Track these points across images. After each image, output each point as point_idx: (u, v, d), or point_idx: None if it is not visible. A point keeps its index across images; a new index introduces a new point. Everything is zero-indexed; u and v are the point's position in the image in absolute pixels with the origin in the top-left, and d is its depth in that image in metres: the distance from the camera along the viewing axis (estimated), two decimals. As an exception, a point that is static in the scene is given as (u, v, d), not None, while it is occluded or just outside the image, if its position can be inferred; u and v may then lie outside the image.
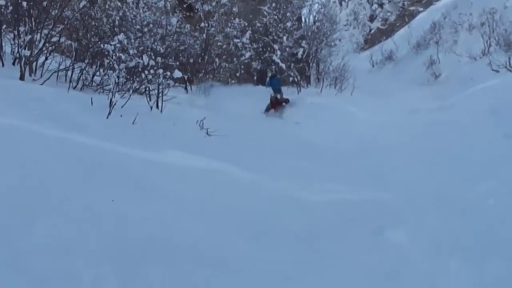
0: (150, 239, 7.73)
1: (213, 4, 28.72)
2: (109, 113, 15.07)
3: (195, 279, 6.94)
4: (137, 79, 18.70)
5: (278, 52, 30.32)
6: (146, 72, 17.84)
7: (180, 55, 25.39)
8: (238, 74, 29.66)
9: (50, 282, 6.00)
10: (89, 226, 7.54)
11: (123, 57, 16.96)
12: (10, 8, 16.78)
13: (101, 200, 8.77)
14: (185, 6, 29.75)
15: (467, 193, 11.70)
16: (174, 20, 23.75)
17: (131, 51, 17.98)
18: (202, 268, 7.28)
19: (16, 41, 16.58)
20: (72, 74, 17.46)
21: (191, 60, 26.69)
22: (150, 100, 18.38)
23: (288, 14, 32.00)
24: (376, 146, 17.86)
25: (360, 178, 13.76)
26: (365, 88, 30.43)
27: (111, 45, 16.82)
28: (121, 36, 17.27)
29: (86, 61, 19.02)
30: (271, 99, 26.27)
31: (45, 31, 17.23)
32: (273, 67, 30.32)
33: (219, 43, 28.79)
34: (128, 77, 18.40)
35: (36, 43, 16.76)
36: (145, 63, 17.60)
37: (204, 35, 27.60)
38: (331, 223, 10.29)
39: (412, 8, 64.38)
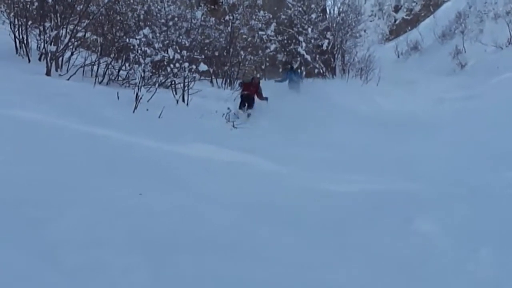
0: (178, 230, 7.75)
1: (238, -4, 28.70)
2: (135, 107, 15.13)
3: (225, 268, 6.94)
4: (163, 73, 18.75)
5: (303, 44, 30.26)
6: (172, 65, 17.88)
7: (205, 48, 25.38)
8: (263, 67, 29.64)
9: (81, 273, 6.04)
10: (117, 218, 7.57)
11: (148, 51, 17.01)
12: (36, 4, 16.88)
13: (127, 192, 8.81)
14: (209, -1, 29.80)
15: (494, 181, 11.63)
16: (198, 14, 23.75)
17: (156, 45, 18.00)
18: (231, 258, 7.28)
19: (42, 37, 16.68)
20: (98, 69, 17.54)
21: (216, 53, 26.69)
22: (176, 93, 18.43)
23: (313, 5, 31.92)
24: (403, 136, 17.77)
25: (387, 168, 13.71)
26: (391, 79, 30.33)
27: (136, 39, 16.88)
28: (146, 30, 17.31)
29: (112, 55, 19.11)
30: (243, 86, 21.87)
31: (71, 27, 17.32)
32: (298, 59, 30.26)
33: (244, 36, 28.74)
34: (154, 71, 18.46)
35: (62, 38, 16.86)
36: (171, 57, 17.63)
37: (229, 28, 27.56)
38: (359, 213, 10.26)
39: (437, -3, 64.08)
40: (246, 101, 21.13)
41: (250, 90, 21.43)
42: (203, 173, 11.37)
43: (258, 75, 22.38)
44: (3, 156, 8.58)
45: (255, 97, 21.50)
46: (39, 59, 17.22)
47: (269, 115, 19.87)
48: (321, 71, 30.57)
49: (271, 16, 29.59)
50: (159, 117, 15.17)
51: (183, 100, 18.40)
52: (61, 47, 16.80)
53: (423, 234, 9.17)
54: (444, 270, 7.83)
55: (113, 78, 18.37)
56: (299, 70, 28.13)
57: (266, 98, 21.69)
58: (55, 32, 16.41)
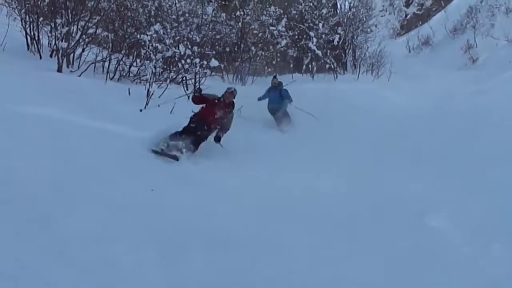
0: (189, 226, 7.77)
1: (248, -8, 28.65)
2: (147, 103, 15.15)
3: (235, 263, 6.96)
4: (174, 68, 18.77)
5: (314, 39, 30.22)
6: (183, 61, 17.91)
7: (216, 44, 25.40)
8: (274, 62, 29.64)
9: (94, 268, 6.07)
10: (128, 214, 7.61)
11: (159, 47, 17.04)
12: (47, 0, 16.92)
13: (139, 188, 8.84)
14: (220, -6, 29.77)
15: (507, 177, 11.57)
16: (209, 9, 23.78)
17: (167, 41, 18.01)
18: (243, 253, 7.30)
19: (53, 33, 16.71)
20: (109, 65, 17.56)
21: (227, 49, 26.69)
22: (187, 89, 18.46)
23: (324, 0, 31.92)
24: (414, 131, 17.69)
25: (398, 165, 13.66)
26: (402, 74, 30.25)
27: (147, 35, 16.91)
28: (157, 26, 17.33)
29: (123, 52, 19.13)
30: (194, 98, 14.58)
31: (82, 23, 17.34)
32: (309, 54, 30.21)
33: (255, 32, 28.71)
34: (165, 67, 18.47)
35: (73, 35, 16.88)
36: (182, 53, 17.67)
37: (240, 24, 27.52)
38: (369, 209, 10.27)
39: (448, -8, 63.87)
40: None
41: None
42: (214, 169, 11.38)
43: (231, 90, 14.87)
44: (16, 153, 8.61)
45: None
46: (50, 56, 17.26)
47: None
48: (332, 66, 30.51)
49: (282, 11, 29.59)
50: (170, 112, 15.20)
51: (194, 96, 18.48)
52: (72, 43, 16.83)
53: (434, 229, 9.18)
54: (456, 266, 7.84)
55: (124, 74, 18.40)
56: (284, 87, 20.19)
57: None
58: (66, 28, 16.44)
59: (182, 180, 10.02)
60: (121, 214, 7.54)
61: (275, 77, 20.82)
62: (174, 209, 8.35)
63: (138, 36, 17.75)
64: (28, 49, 17.41)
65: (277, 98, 19.55)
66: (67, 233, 6.62)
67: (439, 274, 7.57)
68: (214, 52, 21.71)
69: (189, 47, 18.05)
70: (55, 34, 16.49)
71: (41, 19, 17.45)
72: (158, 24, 17.96)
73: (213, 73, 21.00)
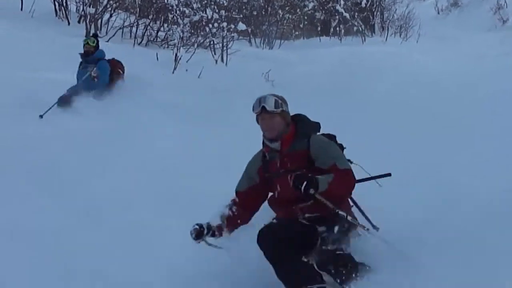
0: (214, 192, 7.73)
1: (276, -46, 28.45)
2: (175, 68, 15.20)
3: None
4: (201, 33, 18.76)
5: (342, 2, 29.97)
6: (210, 25, 17.90)
7: (243, 7, 25.31)
8: (301, 26, 29.49)
9: (121, 232, 6.13)
10: (157, 179, 7.64)
11: (186, 11, 17.05)
12: (74, -34, 16.99)
13: (166, 154, 8.86)
14: (247, -42, 29.59)
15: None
16: (237, -27, 23.72)
17: (194, 5, 18.02)
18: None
19: (81, -1, 16.79)
20: (136, 31, 17.62)
21: (255, 13, 26.58)
22: (215, 53, 18.44)
23: (351, -38, 31.64)
24: (445, 95, 17.52)
25: (428, 132, 13.49)
26: (431, 36, 29.98)
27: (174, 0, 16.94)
28: (184, -10, 17.39)
29: (150, 16, 19.15)
30: None
31: (109, -12, 17.41)
32: (337, 16, 30.00)
33: (282, -6, 28.61)
34: (192, 31, 18.48)
35: (101, 0, 16.92)
36: (209, 17, 17.66)
37: (267, -13, 27.45)
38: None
39: (478, -48, 62.85)
40: None
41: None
42: (241, 134, 11.35)
43: None
44: (44, 118, 8.70)
45: None
46: (78, 22, 17.35)
47: (308, 75, 19.69)
48: (360, 28, 30.28)
49: (309, -27, 29.41)
50: (198, 77, 15.21)
51: (222, 60, 18.41)
52: (100, 9, 16.89)
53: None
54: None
55: (152, 39, 18.47)
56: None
57: None
58: (93, -6, 16.52)
59: (208, 144, 9.99)
60: (143, 181, 7.57)
61: (94, 35, 13.57)
62: (198, 174, 8.31)
63: (165, 0, 17.74)
64: (56, 15, 17.53)
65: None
66: (96, 197, 6.70)
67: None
68: (241, 16, 21.65)
69: (217, 11, 18.04)
70: (83, 0, 16.55)
71: (68, -16, 17.52)
72: (185, -12, 17.96)
73: (240, 37, 20.96)
